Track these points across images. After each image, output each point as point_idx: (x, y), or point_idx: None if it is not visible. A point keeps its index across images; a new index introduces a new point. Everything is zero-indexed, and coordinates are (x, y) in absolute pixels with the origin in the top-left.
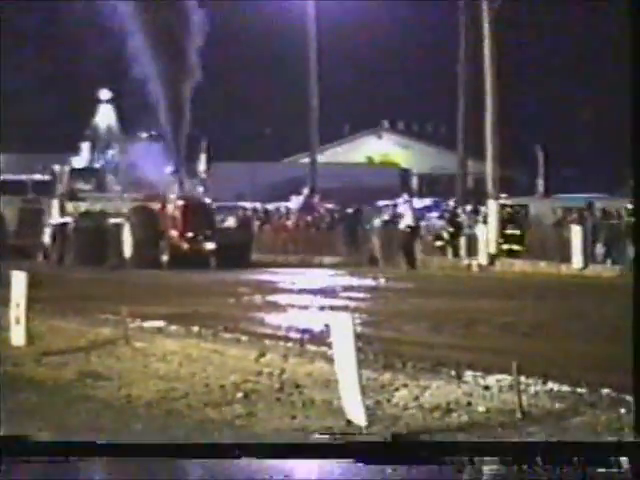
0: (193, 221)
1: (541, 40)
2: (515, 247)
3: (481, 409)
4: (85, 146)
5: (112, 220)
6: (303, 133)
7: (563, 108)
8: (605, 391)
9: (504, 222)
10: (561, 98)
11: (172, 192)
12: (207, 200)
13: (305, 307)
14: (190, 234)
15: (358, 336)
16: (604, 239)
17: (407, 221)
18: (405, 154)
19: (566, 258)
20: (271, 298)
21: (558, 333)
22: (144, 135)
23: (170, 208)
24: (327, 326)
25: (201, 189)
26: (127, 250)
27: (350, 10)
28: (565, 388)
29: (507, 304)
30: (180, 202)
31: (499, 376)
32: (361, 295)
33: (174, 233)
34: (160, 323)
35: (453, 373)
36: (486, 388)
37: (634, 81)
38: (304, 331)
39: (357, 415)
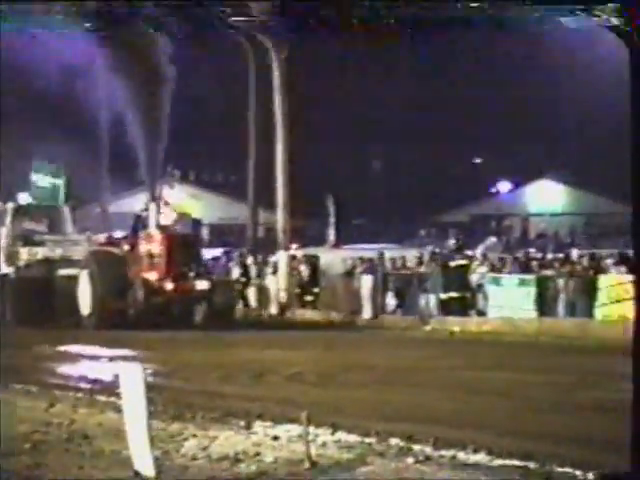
0: (178, 256)
1: (334, 88)
2: (307, 298)
3: (269, 459)
4: (37, 178)
5: (64, 270)
6: (94, 183)
7: (355, 158)
8: (394, 441)
9: (295, 272)
10: (353, 148)
11: (146, 226)
12: (191, 232)
13: (96, 357)
14: (176, 271)
15: (149, 386)
16: (395, 289)
17: None
18: (196, 204)
19: (356, 308)
20: (61, 348)
21: (347, 383)
22: None
23: (143, 247)
24: (117, 376)
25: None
26: (84, 306)
27: None
28: (354, 438)
29: (297, 354)
30: (160, 235)
31: (288, 426)
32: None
33: (152, 276)
34: None
35: (242, 423)
36: (275, 438)
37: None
38: (94, 381)
39: (145, 465)
